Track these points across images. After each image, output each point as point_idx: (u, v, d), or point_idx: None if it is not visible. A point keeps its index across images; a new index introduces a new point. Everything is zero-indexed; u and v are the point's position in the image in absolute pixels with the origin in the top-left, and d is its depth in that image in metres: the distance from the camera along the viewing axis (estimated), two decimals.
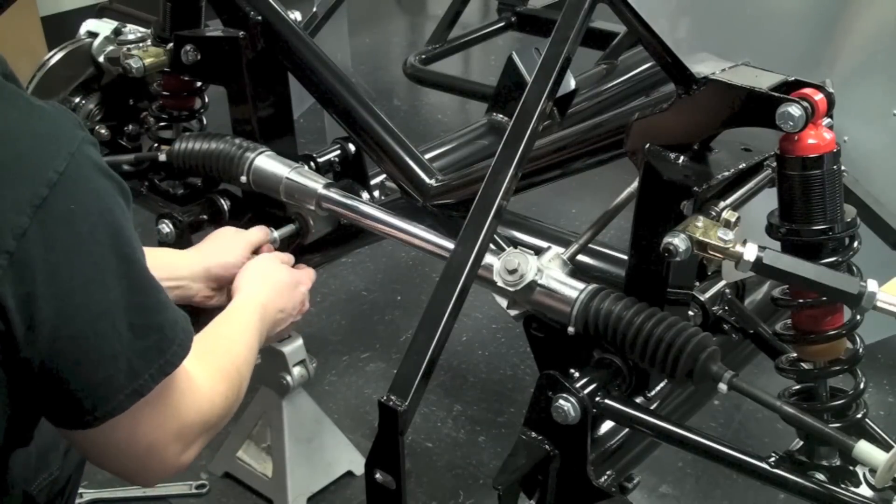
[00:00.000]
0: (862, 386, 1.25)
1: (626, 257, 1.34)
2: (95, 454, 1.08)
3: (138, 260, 1.00)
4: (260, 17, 1.78)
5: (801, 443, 1.24)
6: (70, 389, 0.97)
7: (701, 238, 1.19)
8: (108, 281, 0.96)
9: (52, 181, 0.91)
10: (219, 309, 1.42)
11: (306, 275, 1.63)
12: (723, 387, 1.19)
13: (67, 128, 0.96)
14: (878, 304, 1.14)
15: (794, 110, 1.14)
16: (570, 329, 1.29)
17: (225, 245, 1.60)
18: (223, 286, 1.57)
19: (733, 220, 1.21)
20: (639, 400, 1.35)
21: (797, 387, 1.28)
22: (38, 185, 0.90)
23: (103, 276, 0.96)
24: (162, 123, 2.02)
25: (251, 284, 1.49)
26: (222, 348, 1.26)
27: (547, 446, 1.29)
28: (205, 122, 2.05)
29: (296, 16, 1.86)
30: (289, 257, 1.66)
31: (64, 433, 1.05)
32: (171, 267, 1.51)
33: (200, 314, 1.55)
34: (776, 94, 1.16)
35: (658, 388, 1.38)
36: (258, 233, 1.68)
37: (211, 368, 1.17)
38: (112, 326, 0.97)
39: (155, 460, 1.08)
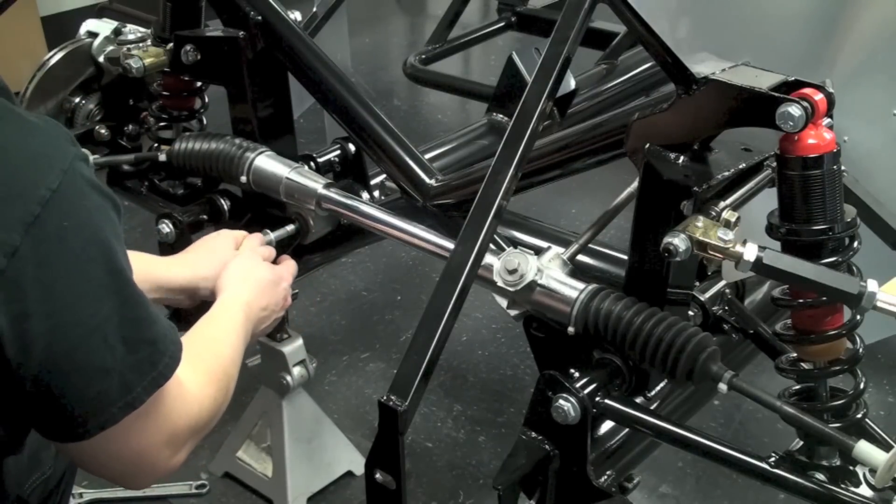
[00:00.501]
0: (862, 386, 1.25)
1: (626, 257, 1.34)
2: (87, 463, 1.09)
3: (128, 275, 1.01)
4: (260, 17, 1.78)
5: (801, 443, 1.24)
6: (63, 404, 0.97)
7: (701, 238, 1.19)
8: (101, 297, 0.97)
9: (45, 199, 0.91)
10: (203, 309, 1.42)
11: (287, 270, 1.61)
12: (723, 387, 1.19)
13: (60, 144, 0.96)
14: (878, 304, 1.14)
15: (794, 110, 1.14)
16: (570, 329, 1.29)
17: (214, 260, 1.56)
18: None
19: (733, 220, 1.21)
20: (639, 400, 1.35)
21: (797, 387, 1.28)
22: (30, 203, 0.90)
23: (96, 292, 0.96)
24: (162, 123, 2.02)
25: (234, 284, 1.48)
26: (209, 351, 1.27)
27: (547, 446, 1.29)
28: (205, 122, 2.05)
29: (296, 16, 1.86)
30: (269, 252, 1.64)
31: (55, 444, 1.05)
32: (158, 281, 1.50)
33: (183, 318, 1.55)
34: (776, 94, 1.16)
35: (658, 388, 1.38)
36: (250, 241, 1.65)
37: (199, 372, 1.18)
38: (104, 341, 0.97)
39: (146, 465, 1.10)
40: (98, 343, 0.97)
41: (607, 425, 1.36)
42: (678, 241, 1.19)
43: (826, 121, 1.19)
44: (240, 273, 1.51)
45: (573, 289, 1.30)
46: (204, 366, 1.20)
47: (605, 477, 1.30)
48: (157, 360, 1.03)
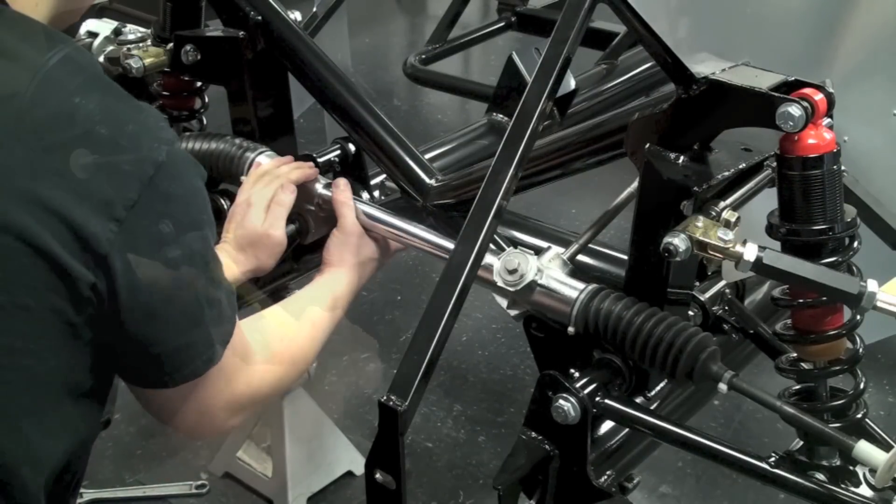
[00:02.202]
0: (862, 386, 1.25)
1: (626, 257, 1.34)
2: (156, 409, 1.19)
3: (212, 241, 1.12)
4: (260, 17, 1.78)
5: (801, 443, 1.24)
6: (156, 352, 1.08)
7: (701, 238, 1.19)
8: (194, 256, 1.08)
9: (158, 162, 1.02)
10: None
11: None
12: (723, 387, 1.19)
13: (163, 124, 1.09)
14: (878, 304, 1.14)
15: (794, 110, 1.14)
16: (570, 329, 1.29)
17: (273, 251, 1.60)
18: None
19: (733, 220, 1.21)
20: (639, 400, 1.35)
21: (797, 387, 1.28)
22: (146, 165, 1.02)
23: (192, 250, 1.07)
24: None
25: (357, 269, 1.55)
26: (292, 329, 1.36)
27: (547, 446, 1.29)
28: (205, 122, 2.05)
29: (296, 16, 1.86)
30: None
31: (132, 388, 1.16)
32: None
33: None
34: (776, 94, 1.16)
35: (658, 388, 1.38)
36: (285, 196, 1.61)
37: (268, 348, 1.27)
38: (196, 296, 1.08)
39: (205, 422, 1.20)
40: (192, 297, 1.08)
41: (607, 425, 1.36)
42: (678, 241, 1.19)
43: (826, 121, 1.19)
44: (363, 258, 1.57)
45: (573, 289, 1.30)
46: (281, 344, 1.30)
47: (605, 477, 1.30)
48: (226, 319, 1.14)
